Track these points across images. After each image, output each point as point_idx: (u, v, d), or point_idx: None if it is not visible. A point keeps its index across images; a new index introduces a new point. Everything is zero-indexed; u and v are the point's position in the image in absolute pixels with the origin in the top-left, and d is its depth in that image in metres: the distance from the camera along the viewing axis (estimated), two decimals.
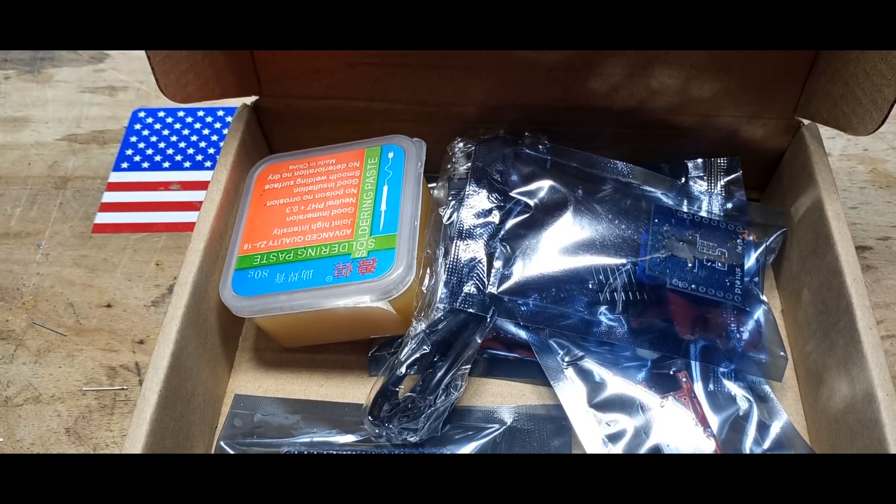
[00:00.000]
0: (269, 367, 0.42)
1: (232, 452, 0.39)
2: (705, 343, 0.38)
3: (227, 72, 0.43)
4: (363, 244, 0.37)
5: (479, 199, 0.41)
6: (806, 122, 0.44)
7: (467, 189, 0.41)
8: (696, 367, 0.39)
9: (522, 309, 0.38)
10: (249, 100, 0.46)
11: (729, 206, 0.44)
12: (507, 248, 0.40)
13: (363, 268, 0.37)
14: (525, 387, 0.41)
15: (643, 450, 0.37)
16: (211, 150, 0.55)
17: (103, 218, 0.51)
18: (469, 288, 0.38)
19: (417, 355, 0.37)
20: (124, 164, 0.54)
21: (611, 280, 0.39)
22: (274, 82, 0.45)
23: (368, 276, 0.36)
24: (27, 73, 0.61)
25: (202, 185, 0.53)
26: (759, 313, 0.40)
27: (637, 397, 0.38)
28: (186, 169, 0.54)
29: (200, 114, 0.58)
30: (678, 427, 0.37)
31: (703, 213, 0.43)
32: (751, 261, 0.42)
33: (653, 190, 0.44)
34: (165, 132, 0.57)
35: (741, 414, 0.38)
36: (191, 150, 0.55)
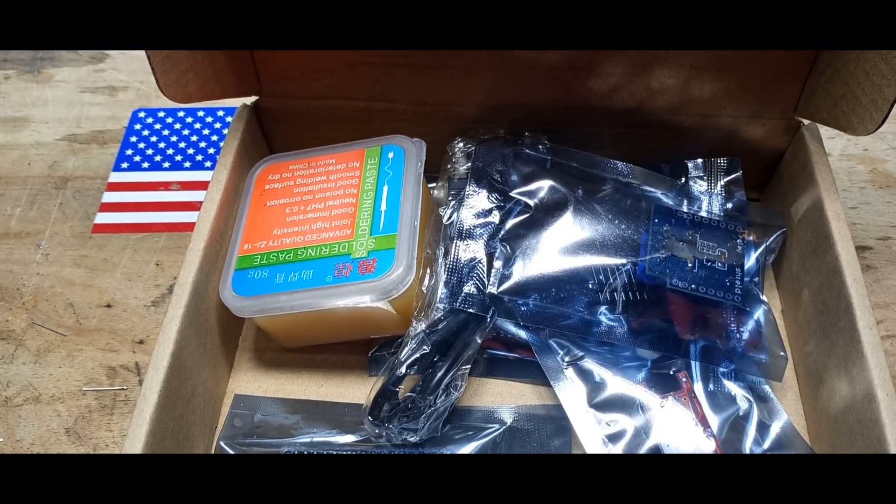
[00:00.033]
0: (269, 367, 0.42)
1: (232, 452, 0.39)
2: (705, 343, 0.38)
3: (227, 72, 0.43)
4: (363, 244, 0.37)
5: (479, 199, 0.41)
6: (806, 122, 0.44)
7: (467, 189, 0.41)
8: (696, 367, 0.39)
9: (522, 309, 0.38)
10: (249, 100, 0.46)
11: (729, 206, 0.44)
12: (507, 248, 0.40)
13: (363, 268, 0.37)
14: (525, 387, 0.41)
15: (643, 450, 0.37)
16: (211, 150, 0.55)
17: (103, 218, 0.51)
18: (469, 288, 0.38)
19: (417, 355, 0.37)
20: (124, 164, 0.54)
21: (611, 280, 0.39)
22: (274, 82, 0.45)
23: (368, 276, 0.36)
24: (27, 73, 0.61)
25: (202, 185, 0.53)
26: (759, 313, 0.40)
27: (637, 397, 0.38)
28: (186, 169, 0.54)
29: (200, 114, 0.58)
30: (678, 427, 0.37)
31: (703, 213, 0.43)
32: (751, 261, 0.42)
33: (653, 190, 0.44)
34: (165, 132, 0.57)
35: (741, 414, 0.38)
36: (191, 150, 0.55)
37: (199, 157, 0.55)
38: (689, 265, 0.40)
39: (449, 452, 0.38)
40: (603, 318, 0.39)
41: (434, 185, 0.44)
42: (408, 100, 0.45)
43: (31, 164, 0.55)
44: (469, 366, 0.37)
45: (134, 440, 0.32)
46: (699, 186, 0.45)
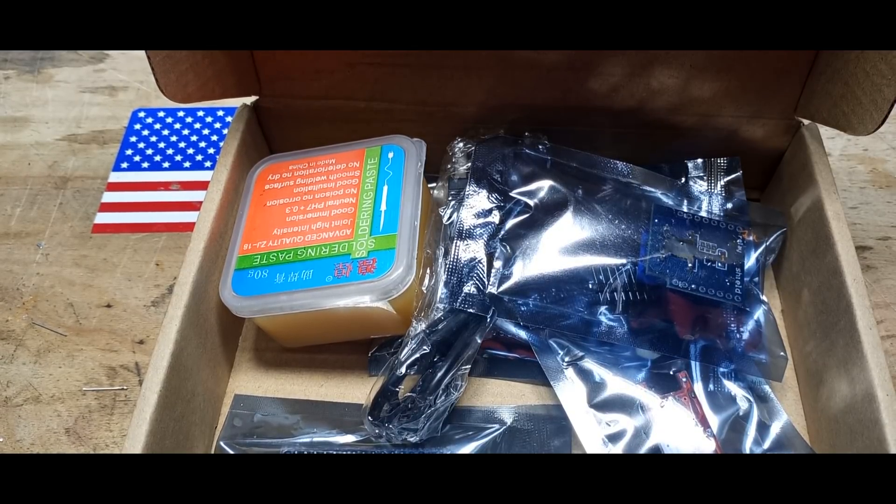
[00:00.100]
0: (269, 367, 0.42)
1: (232, 452, 0.39)
2: (705, 343, 0.38)
3: (227, 72, 0.43)
4: (363, 244, 0.37)
5: (479, 199, 0.41)
6: (806, 122, 0.44)
7: (467, 189, 0.41)
8: (696, 367, 0.39)
9: (522, 309, 0.38)
10: (249, 100, 0.46)
11: (729, 206, 0.44)
12: (507, 248, 0.40)
13: (363, 268, 0.37)
14: (525, 387, 0.41)
15: (643, 450, 0.37)
16: (211, 150, 0.55)
17: (103, 218, 0.51)
18: (469, 288, 0.38)
19: (417, 355, 0.37)
20: (124, 164, 0.54)
21: (611, 280, 0.39)
22: (274, 82, 0.45)
23: (368, 276, 0.36)
24: (27, 73, 0.61)
25: (202, 185, 0.53)
26: (759, 313, 0.40)
27: (637, 397, 0.38)
28: (186, 169, 0.54)
29: (200, 114, 0.58)
30: (678, 427, 0.37)
31: (703, 213, 0.43)
32: (751, 261, 0.42)
33: (653, 190, 0.44)
34: (165, 132, 0.57)
35: (741, 414, 0.38)
36: (191, 150, 0.55)
37: (199, 157, 0.55)
38: (689, 265, 0.40)
39: (449, 452, 0.38)
40: (603, 318, 0.39)
41: (434, 185, 0.44)
42: (408, 100, 0.45)
43: (31, 164, 0.55)
44: (469, 366, 0.37)
45: (134, 440, 0.32)
46: (699, 186, 0.45)
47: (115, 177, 0.54)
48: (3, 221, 0.51)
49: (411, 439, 0.37)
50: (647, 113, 0.45)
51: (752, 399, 0.39)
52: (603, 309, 0.39)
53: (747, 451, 0.37)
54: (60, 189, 0.53)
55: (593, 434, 0.37)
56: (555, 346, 0.39)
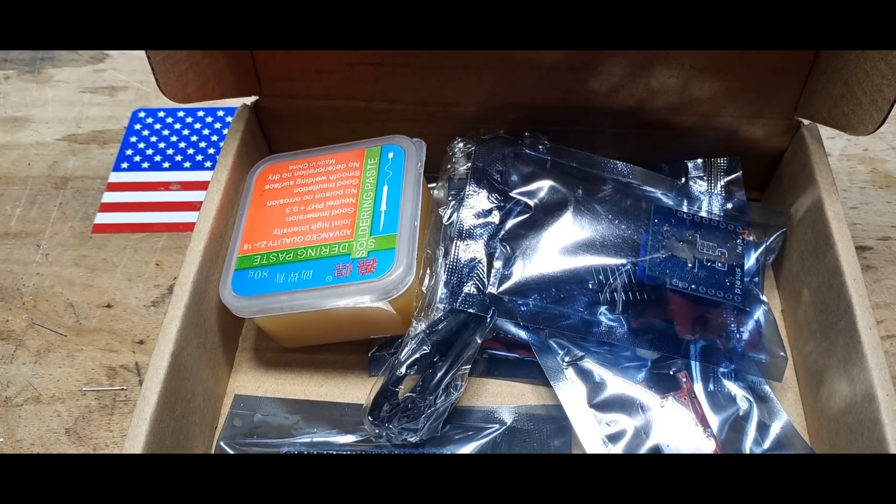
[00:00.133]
0: (269, 367, 0.42)
1: (232, 452, 0.39)
2: (705, 343, 0.38)
3: (227, 72, 0.43)
4: (363, 244, 0.37)
5: (479, 199, 0.41)
6: (806, 122, 0.44)
7: (467, 189, 0.41)
8: (696, 367, 0.39)
9: (522, 309, 0.38)
10: (249, 100, 0.46)
11: (729, 206, 0.44)
12: (507, 248, 0.40)
13: (363, 268, 0.37)
14: (525, 387, 0.41)
15: (643, 450, 0.37)
16: (211, 150, 0.55)
17: (103, 218, 0.51)
18: (469, 288, 0.38)
19: (417, 355, 0.37)
20: (124, 165, 0.54)
21: (611, 280, 0.39)
22: (274, 82, 0.45)
23: (368, 276, 0.36)
24: (27, 73, 0.61)
25: (202, 185, 0.53)
26: (759, 313, 0.40)
27: (637, 397, 0.38)
28: (186, 169, 0.54)
29: (200, 114, 0.58)
30: (678, 427, 0.37)
31: (703, 213, 0.43)
32: (751, 261, 0.42)
33: (653, 190, 0.44)
34: (165, 132, 0.57)
35: (741, 414, 0.38)
36: (191, 150, 0.55)
37: (199, 157, 0.55)
38: (689, 265, 0.40)
39: (449, 452, 0.38)
40: (603, 318, 0.39)
41: (434, 185, 0.44)
42: (408, 100, 0.45)
43: (31, 164, 0.55)
44: (469, 366, 0.37)
45: (134, 440, 0.32)
46: (699, 186, 0.45)
47: (115, 177, 0.54)
48: (3, 221, 0.51)
49: (411, 439, 0.37)
50: (647, 113, 0.45)
51: (752, 399, 0.39)
52: (603, 309, 0.39)
53: (747, 451, 0.37)
54: (60, 189, 0.53)
55: (593, 434, 0.37)
56: (555, 346, 0.39)
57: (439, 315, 0.37)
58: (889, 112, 0.36)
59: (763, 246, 0.43)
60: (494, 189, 0.41)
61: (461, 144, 0.44)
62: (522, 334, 0.39)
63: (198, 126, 0.57)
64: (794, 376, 0.41)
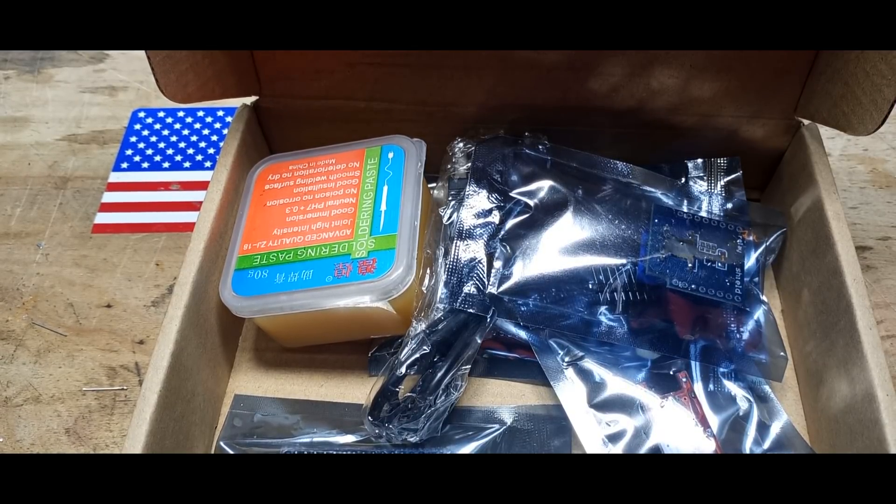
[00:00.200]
0: (269, 367, 0.42)
1: (232, 452, 0.39)
2: (705, 343, 0.38)
3: (227, 72, 0.43)
4: (363, 244, 0.37)
5: (479, 199, 0.41)
6: (806, 122, 0.44)
7: (467, 189, 0.41)
8: (696, 367, 0.39)
9: (522, 309, 0.38)
10: (249, 100, 0.46)
11: (729, 206, 0.44)
12: (507, 248, 0.40)
13: (363, 268, 0.37)
14: (525, 387, 0.41)
15: (643, 450, 0.37)
16: (211, 150, 0.55)
17: (103, 218, 0.51)
18: (469, 288, 0.38)
19: (417, 355, 0.37)
20: (124, 165, 0.54)
21: (611, 280, 0.39)
22: (274, 82, 0.45)
23: (368, 276, 0.36)
24: (27, 73, 0.61)
25: (202, 185, 0.53)
26: (759, 313, 0.40)
27: (637, 397, 0.38)
28: (186, 169, 0.54)
29: (200, 114, 0.58)
30: (678, 427, 0.37)
31: (703, 213, 0.43)
32: (751, 261, 0.42)
33: (653, 190, 0.44)
34: (165, 132, 0.57)
35: (741, 414, 0.38)
36: (191, 150, 0.55)
37: (199, 157, 0.55)
38: (689, 265, 0.40)
39: (449, 452, 0.38)
40: (603, 318, 0.39)
41: (434, 185, 0.44)
42: (408, 100, 0.45)
43: (31, 164, 0.55)
44: (469, 366, 0.37)
45: (134, 440, 0.32)
46: (699, 186, 0.45)
47: (115, 177, 0.54)
48: (3, 221, 0.51)
49: (411, 439, 0.37)
50: (647, 113, 0.45)
51: (752, 399, 0.39)
52: (603, 309, 0.39)
53: (747, 451, 0.37)
54: (60, 189, 0.53)
55: (593, 434, 0.37)
56: (555, 346, 0.39)
57: (439, 315, 0.37)
58: (889, 112, 0.36)
59: (763, 246, 0.43)
60: (494, 189, 0.41)
61: (461, 144, 0.44)
62: (522, 334, 0.39)
63: (198, 126, 0.57)
64: (794, 376, 0.41)
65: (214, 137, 0.56)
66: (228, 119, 0.57)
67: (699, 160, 0.45)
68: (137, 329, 0.45)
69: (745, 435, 0.38)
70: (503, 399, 0.41)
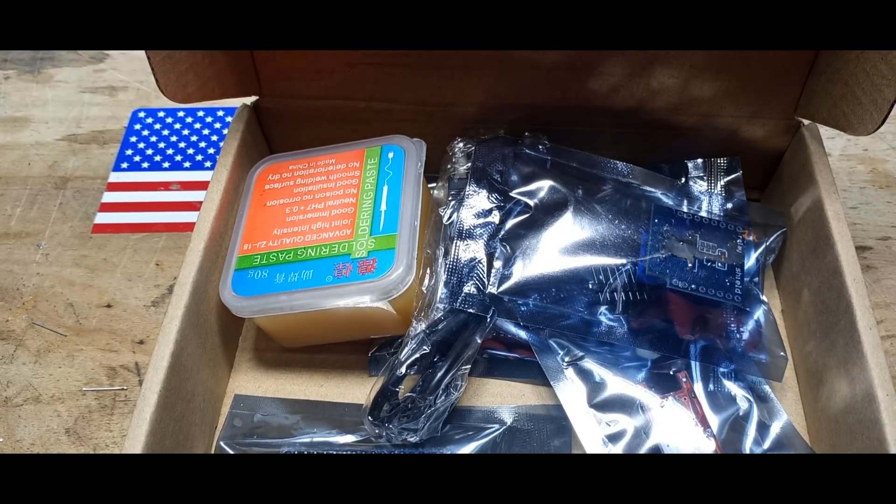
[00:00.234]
0: (269, 367, 0.42)
1: (232, 452, 0.39)
2: (705, 343, 0.38)
3: (227, 72, 0.43)
4: (363, 244, 0.37)
5: (479, 199, 0.41)
6: (806, 122, 0.44)
7: (467, 189, 0.41)
8: (696, 367, 0.39)
9: (522, 309, 0.38)
10: (249, 100, 0.46)
11: (729, 206, 0.44)
12: (507, 248, 0.40)
13: (363, 268, 0.37)
14: (525, 387, 0.41)
15: (643, 450, 0.37)
16: (211, 150, 0.55)
17: (103, 218, 0.51)
18: (469, 288, 0.38)
19: (417, 355, 0.37)
20: (124, 165, 0.54)
21: (611, 280, 0.39)
22: (274, 82, 0.45)
23: (368, 276, 0.36)
24: (27, 73, 0.61)
25: (202, 185, 0.53)
26: (759, 313, 0.40)
27: (637, 397, 0.38)
28: (186, 169, 0.54)
29: (200, 114, 0.58)
30: (678, 427, 0.37)
31: (703, 213, 0.43)
32: (751, 261, 0.42)
33: (653, 190, 0.44)
34: (165, 132, 0.57)
35: (741, 414, 0.38)
36: (191, 150, 0.55)
37: (199, 157, 0.55)
38: (689, 265, 0.40)
39: (449, 452, 0.38)
40: (603, 318, 0.39)
41: (434, 185, 0.44)
42: (408, 100, 0.45)
43: (31, 164, 0.55)
44: (469, 366, 0.37)
45: (134, 440, 0.32)
46: (699, 186, 0.45)
47: (115, 177, 0.54)
48: (3, 221, 0.51)
49: (411, 439, 0.37)
50: (647, 113, 0.45)
51: (752, 399, 0.39)
52: (603, 309, 0.39)
53: (747, 451, 0.37)
54: (60, 189, 0.53)
55: (593, 434, 0.37)
56: (555, 346, 0.39)
57: (439, 315, 0.37)
58: (889, 112, 0.36)
59: (763, 246, 0.43)
60: (494, 189, 0.41)
61: (461, 144, 0.44)
62: (522, 334, 0.39)
63: (198, 126, 0.57)
64: (794, 376, 0.41)
65: (214, 137, 0.56)
66: (228, 119, 0.57)
67: (699, 160, 0.45)
68: (137, 329, 0.45)
69: (745, 435, 0.38)
70: (503, 399, 0.41)
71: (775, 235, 0.43)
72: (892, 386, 0.33)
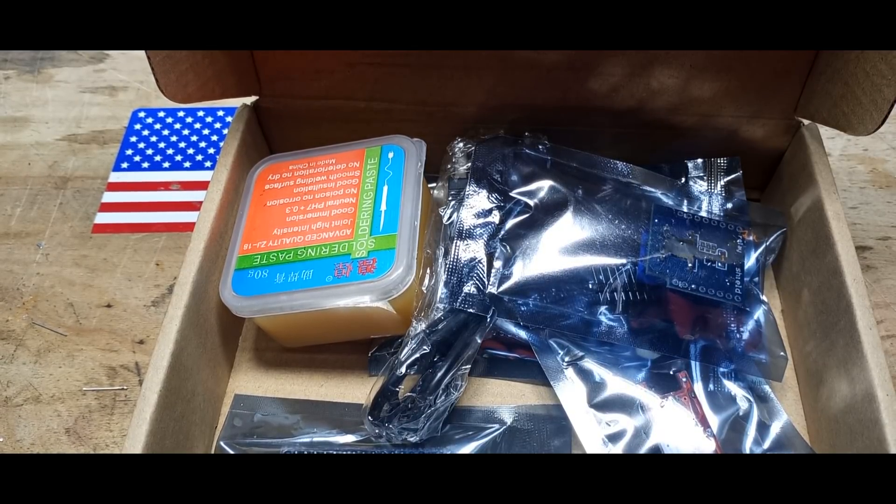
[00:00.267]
0: (269, 367, 0.42)
1: (232, 452, 0.39)
2: (705, 343, 0.38)
3: (227, 72, 0.43)
4: (363, 244, 0.37)
5: (479, 199, 0.41)
6: (806, 122, 0.44)
7: (467, 189, 0.41)
8: (696, 367, 0.39)
9: (522, 309, 0.38)
10: (249, 100, 0.46)
11: (729, 206, 0.44)
12: (507, 248, 0.40)
13: (363, 268, 0.37)
14: (525, 387, 0.41)
15: (643, 450, 0.37)
16: (211, 150, 0.55)
17: (103, 218, 0.51)
18: (469, 288, 0.38)
19: (417, 355, 0.37)
20: (124, 164, 0.54)
21: (611, 280, 0.39)
22: (274, 82, 0.45)
23: (368, 276, 0.36)
24: (27, 73, 0.61)
25: (202, 185, 0.53)
26: (759, 313, 0.40)
27: (637, 397, 0.38)
28: (186, 169, 0.54)
29: (200, 114, 0.58)
30: (678, 427, 0.37)
31: (703, 213, 0.43)
32: (751, 261, 0.42)
33: (653, 190, 0.44)
34: (165, 132, 0.57)
35: (741, 414, 0.38)
36: (191, 150, 0.55)
37: (199, 157, 0.55)
38: (689, 265, 0.40)
39: (449, 452, 0.38)
40: (603, 318, 0.39)
41: (434, 185, 0.44)
42: (408, 100, 0.45)
43: (31, 164, 0.55)
44: (469, 366, 0.37)
45: (134, 440, 0.32)
46: (699, 186, 0.45)
47: (115, 177, 0.54)
48: (3, 221, 0.51)
49: (411, 439, 0.37)
50: (647, 113, 0.45)
51: (752, 399, 0.39)
52: (603, 309, 0.39)
53: (747, 451, 0.37)
54: (60, 189, 0.53)
55: (593, 434, 0.37)
56: (555, 346, 0.39)
57: (439, 315, 0.37)
58: (889, 112, 0.36)
59: (763, 246, 0.43)
60: (494, 189, 0.41)
61: (461, 144, 0.44)
62: (522, 334, 0.39)
63: (198, 126, 0.57)
64: (794, 376, 0.41)
65: (214, 137, 0.56)
66: (228, 119, 0.57)
67: (699, 160, 0.45)
68: (137, 329, 0.45)
69: (745, 435, 0.38)
70: (503, 399, 0.41)
71: (775, 235, 0.43)
72: (892, 386, 0.33)
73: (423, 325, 0.37)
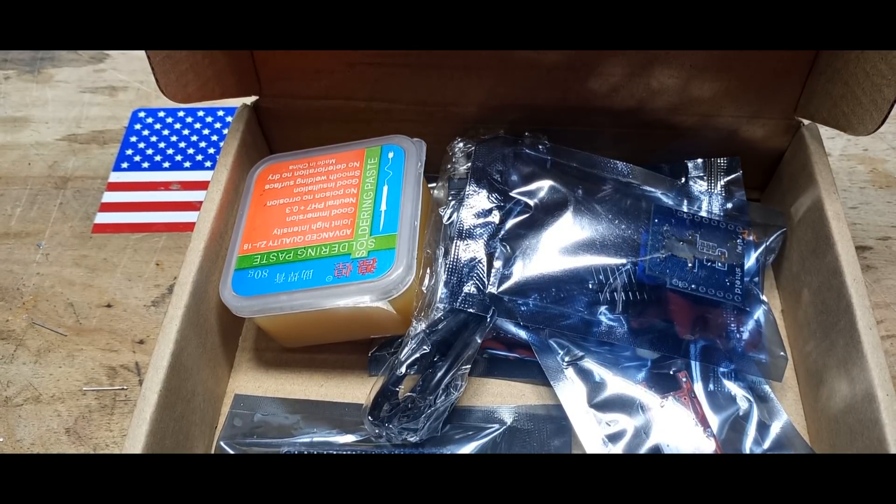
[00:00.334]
0: (269, 367, 0.42)
1: (232, 452, 0.39)
2: (705, 343, 0.38)
3: (227, 72, 0.43)
4: (363, 244, 0.37)
5: (479, 199, 0.41)
6: (806, 122, 0.44)
7: (467, 189, 0.41)
8: (696, 367, 0.39)
9: (522, 309, 0.38)
10: (249, 100, 0.46)
11: (729, 206, 0.44)
12: (507, 248, 0.40)
13: (363, 268, 0.37)
14: (525, 387, 0.41)
15: (643, 450, 0.37)
16: (211, 150, 0.55)
17: (103, 218, 0.51)
18: (469, 288, 0.38)
19: (417, 355, 0.37)
20: (124, 164, 0.54)
21: (611, 280, 0.39)
22: (274, 82, 0.45)
23: (368, 276, 0.36)
24: (27, 73, 0.61)
25: (202, 185, 0.53)
26: (759, 313, 0.40)
27: (637, 397, 0.38)
28: (186, 169, 0.54)
29: (200, 114, 0.58)
30: (678, 427, 0.37)
31: (703, 213, 0.43)
32: (751, 261, 0.42)
33: (653, 190, 0.44)
34: (165, 132, 0.57)
35: (741, 414, 0.38)
36: (191, 150, 0.55)
37: (199, 157, 0.55)
38: (689, 265, 0.40)
39: (449, 452, 0.38)
40: (603, 318, 0.39)
41: (434, 185, 0.44)
42: (408, 100, 0.45)
43: (31, 164, 0.55)
44: (469, 366, 0.37)
45: (134, 440, 0.32)
46: (699, 186, 0.45)
47: (116, 177, 0.54)
48: (3, 221, 0.51)
49: (411, 439, 0.37)
50: (647, 113, 0.45)
51: (752, 399, 0.39)
52: (603, 309, 0.39)
53: (747, 451, 0.37)
54: (60, 189, 0.53)
55: (593, 434, 0.37)
56: (555, 346, 0.39)
57: (439, 315, 0.38)
58: (889, 112, 0.36)
59: (763, 246, 0.43)
60: (494, 189, 0.41)
61: (461, 144, 0.44)
62: (522, 334, 0.39)
63: (198, 126, 0.57)
64: (794, 376, 0.41)
65: (214, 137, 0.56)
66: (228, 119, 0.57)
67: (699, 160, 0.45)
68: (137, 329, 0.45)
69: (745, 435, 0.38)
70: (503, 399, 0.41)
71: (775, 235, 0.43)
72: (892, 386, 0.33)
73: (423, 325, 0.37)
